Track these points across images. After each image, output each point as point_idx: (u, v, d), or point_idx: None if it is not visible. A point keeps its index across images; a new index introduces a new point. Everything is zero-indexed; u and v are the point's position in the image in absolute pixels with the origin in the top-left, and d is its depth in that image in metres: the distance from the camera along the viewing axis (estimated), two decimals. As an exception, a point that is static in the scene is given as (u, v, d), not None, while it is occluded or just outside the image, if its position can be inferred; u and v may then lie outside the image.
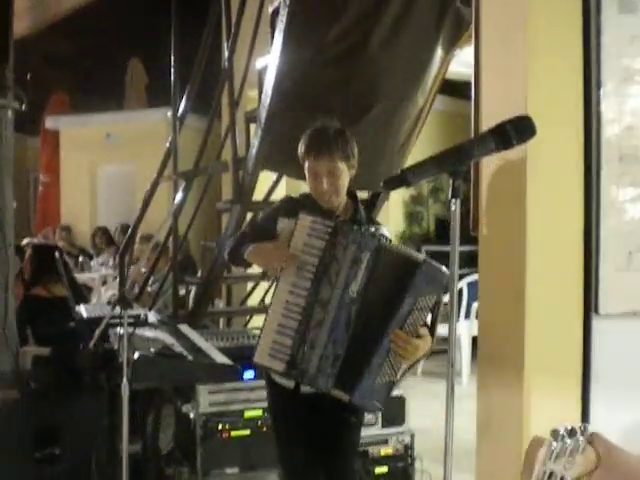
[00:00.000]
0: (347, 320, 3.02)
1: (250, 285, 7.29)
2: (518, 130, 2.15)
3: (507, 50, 3.48)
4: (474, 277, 6.57)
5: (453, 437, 2.43)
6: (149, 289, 6.95)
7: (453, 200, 2.07)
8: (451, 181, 2.08)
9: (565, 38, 3.41)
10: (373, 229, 3.23)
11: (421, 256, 3.00)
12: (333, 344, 3.04)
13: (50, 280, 6.22)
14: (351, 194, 3.35)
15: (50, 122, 14.32)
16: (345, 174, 3.20)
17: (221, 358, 3.87)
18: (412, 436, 5.13)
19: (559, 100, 3.39)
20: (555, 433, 1.64)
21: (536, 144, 2.40)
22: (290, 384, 3.31)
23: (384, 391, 3.04)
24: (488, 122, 3.45)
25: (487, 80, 3.61)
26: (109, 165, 13.65)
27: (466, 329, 8.57)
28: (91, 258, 11.74)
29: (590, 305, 3.41)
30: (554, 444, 1.64)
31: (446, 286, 2.90)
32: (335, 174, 3.17)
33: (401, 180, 2.10)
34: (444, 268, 2.92)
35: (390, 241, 3.19)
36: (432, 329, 3.08)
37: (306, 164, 3.23)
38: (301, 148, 3.24)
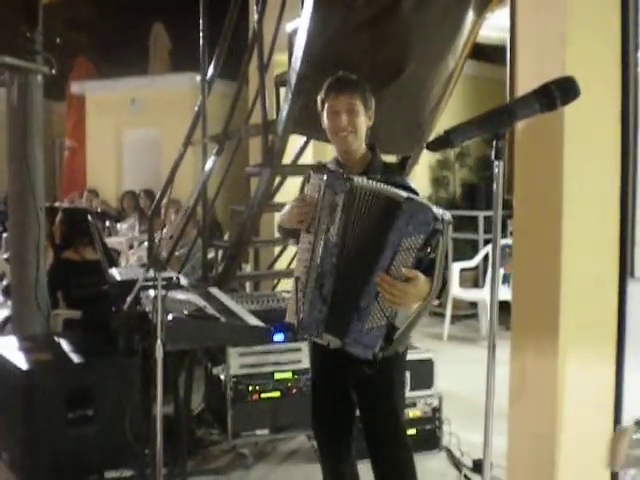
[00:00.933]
0: (330, 265, 3.07)
1: (278, 249, 7.31)
2: (562, 91, 2.14)
3: (544, 12, 3.45)
4: (503, 242, 6.54)
5: (483, 401, 2.42)
6: (177, 253, 6.98)
7: (496, 162, 2.06)
8: (494, 142, 2.07)
9: (603, 0, 3.38)
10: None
11: (403, 194, 2.93)
12: (320, 289, 3.09)
13: (81, 243, 6.26)
14: (371, 147, 3.38)
15: (75, 87, 14.35)
16: (363, 116, 3.26)
17: (253, 320, 3.88)
18: (440, 399, 5.16)
19: (597, 62, 3.36)
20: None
21: (574, 106, 2.38)
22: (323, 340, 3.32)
23: (375, 336, 2.97)
24: (524, 85, 3.42)
25: (523, 43, 3.58)
26: (134, 130, 13.67)
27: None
28: (117, 222, 11.78)
29: (626, 268, 3.40)
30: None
31: (435, 226, 2.83)
32: (354, 112, 3.23)
33: (445, 141, 2.10)
34: (431, 205, 2.90)
35: (413, 193, 3.06)
36: (431, 272, 2.91)
37: (326, 105, 3.29)
38: (321, 93, 3.32)
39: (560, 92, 2.12)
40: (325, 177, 3.09)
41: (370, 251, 2.97)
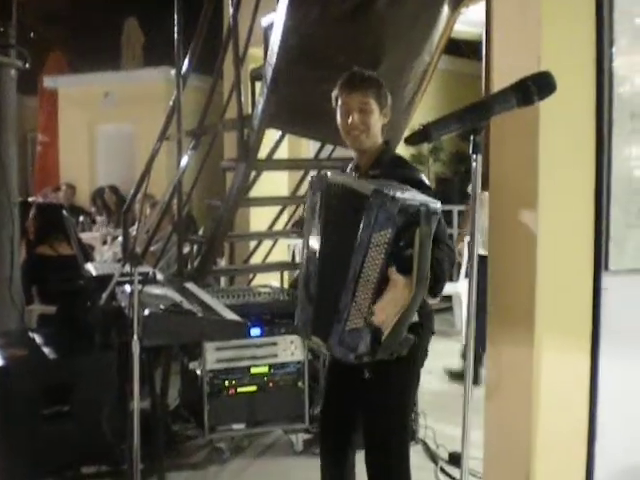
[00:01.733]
0: (314, 265, 3.07)
1: (253, 243, 7.31)
2: (539, 86, 2.15)
3: (519, 7, 3.46)
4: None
5: (458, 394, 2.43)
6: (152, 248, 6.95)
7: (474, 156, 2.07)
8: (472, 137, 2.08)
9: (578, -5, 3.40)
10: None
11: (371, 187, 2.82)
12: (307, 291, 3.09)
13: (56, 239, 6.23)
14: (385, 143, 3.31)
15: (48, 81, 14.23)
16: (376, 115, 3.20)
17: (230, 314, 3.88)
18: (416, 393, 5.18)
19: (572, 58, 3.38)
20: None
21: (549, 101, 2.40)
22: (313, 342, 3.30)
23: (357, 338, 2.86)
24: (500, 80, 3.44)
25: (499, 37, 3.60)
26: (107, 124, 13.58)
27: (467, 287, 8.58)
28: (92, 221, 11.68)
29: (600, 261, 3.42)
30: None
31: (406, 218, 2.72)
32: (367, 110, 3.18)
33: (423, 135, 2.11)
34: (399, 195, 2.75)
35: (422, 187, 3.01)
36: (410, 269, 2.77)
37: (339, 102, 3.24)
38: (336, 89, 3.26)
39: (537, 87, 2.14)
40: (311, 177, 3.11)
41: (344, 251, 2.89)
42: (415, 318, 2.98)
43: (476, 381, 6.63)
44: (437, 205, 2.78)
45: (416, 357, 3.21)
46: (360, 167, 3.30)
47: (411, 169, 3.26)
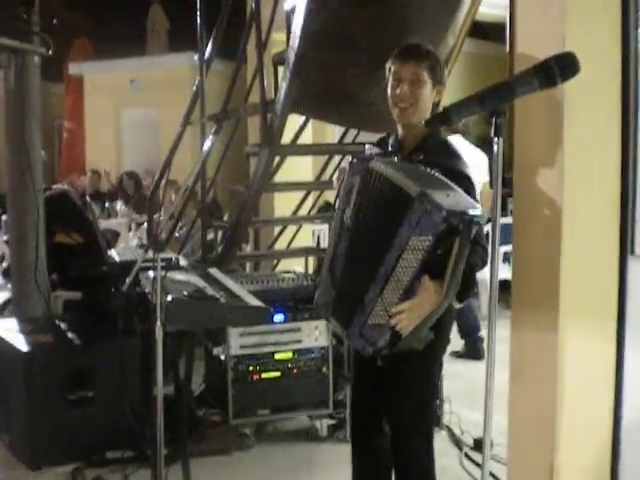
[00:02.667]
0: (342, 248, 3.00)
1: (278, 229, 7.29)
2: (562, 67, 2.11)
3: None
4: (502, 220, 6.49)
5: (481, 380, 2.40)
6: (177, 234, 6.96)
7: (495, 139, 2.03)
8: (493, 119, 2.05)
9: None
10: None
11: (417, 189, 2.69)
12: (332, 271, 3.05)
13: (68, 227, 6.24)
14: (432, 132, 3.16)
15: (74, 68, 14.29)
16: (428, 89, 3.08)
17: (253, 300, 3.87)
18: (441, 378, 5.15)
19: (597, 39, 3.33)
20: None
21: (574, 82, 2.35)
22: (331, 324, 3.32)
23: (377, 333, 2.81)
24: (523, 63, 3.39)
25: (523, 19, 3.55)
26: (133, 110, 13.63)
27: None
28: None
29: (626, 246, 3.38)
30: None
31: (448, 227, 2.60)
32: (418, 82, 3.06)
33: (444, 118, 2.07)
34: (444, 202, 2.62)
35: (463, 180, 2.94)
36: (446, 273, 2.69)
37: (391, 71, 3.12)
38: (389, 61, 3.14)
39: (559, 68, 2.09)
40: (351, 159, 3.02)
41: (378, 244, 2.81)
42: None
43: (478, 356, 6.65)
44: (478, 212, 2.67)
45: (437, 342, 3.09)
46: (404, 146, 3.17)
47: (455, 158, 3.12)
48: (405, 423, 3.22)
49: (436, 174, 2.88)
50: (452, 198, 2.68)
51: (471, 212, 2.63)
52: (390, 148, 3.23)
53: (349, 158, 3.09)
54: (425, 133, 3.13)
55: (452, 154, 3.14)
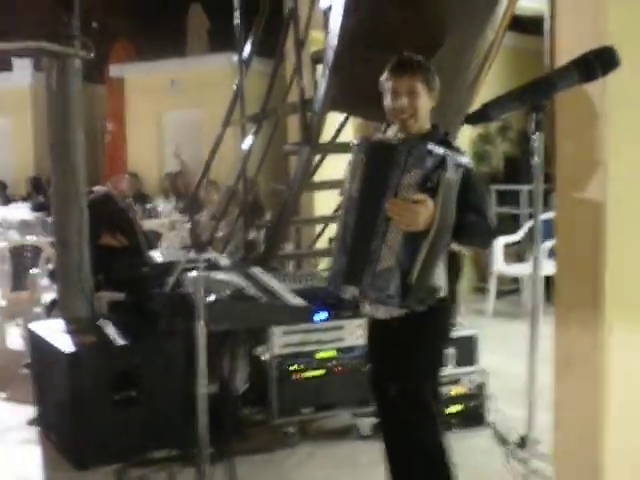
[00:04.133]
0: (352, 219, 3.18)
1: (319, 227, 7.29)
2: (602, 61, 2.09)
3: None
4: (546, 215, 6.45)
5: (523, 377, 2.38)
6: (220, 233, 7.00)
7: (536, 135, 2.01)
8: (533, 115, 2.02)
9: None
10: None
11: (399, 137, 3.11)
12: (343, 244, 3.22)
13: (113, 229, 6.29)
14: (434, 126, 3.35)
15: (115, 70, 14.41)
16: (425, 98, 3.26)
17: (294, 299, 3.87)
18: (485, 375, 5.12)
19: (638, 29, 3.28)
20: None
21: (616, 75, 2.32)
22: (371, 312, 3.42)
23: (387, 278, 3.02)
24: (564, 56, 3.35)
25: (563, 13, 3.50)
26: (174, 112, 13.71)
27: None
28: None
29: (674, 240, 3.33)
30: None
31: (429, 161, 2.92)
32: (415, 93, 3.24)
33: (483, 115, 2.07)
34: (429, 146, 2.95)
35: (464, 169, 3.09)
36: (437, 201, 2.95)
37: (387, 85, 3.30)
38: (384, 74, 3.32)
39: (600, 62, 2.08)
40: (355, 142, 3.26)
41: (378, 198, 3.05)
42: (445, 293, 3.22)
43: None
44: (464, 159, 3.00)
45: (443, 327, 3.41)
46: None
47: (454, 149, 3.25)
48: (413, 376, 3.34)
49: None
50: (436, 146, 2.99)
51: (452, 152, 2.98)
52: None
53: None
54: (426, 134, 3.30)
55: (451, 147, 3.27)
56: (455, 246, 3.17)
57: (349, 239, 3.19)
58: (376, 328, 3.48)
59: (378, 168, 3.10)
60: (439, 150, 2.96)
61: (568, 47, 3.42)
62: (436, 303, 3.18)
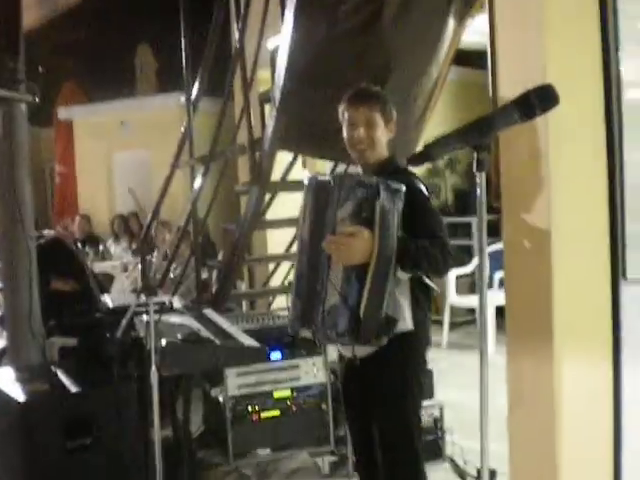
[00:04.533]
0: (304, 262, 3.15)
1: (272, 266, 7.28)
2: (541, 99, 2.11)
3: (522, 18, 3.44)
4: (496, 247, 6.54)
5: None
6: (171, 275, 6.96)
7: (479, 174, 2.03)
8: (475, 154, 2.05)
9: (581, 1, 3.37)
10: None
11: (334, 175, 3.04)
12: (297, 288, 3.17)
13: (63, 274, 6.22)
14: (390, 159, 3.36)
15: (63, 112, 14.30)
16: (382, 129, 3.28)
17: (248, 340, 3.86)
18: (441, 409, 5.13)
19: (578, 65, 3.36)
20: None
21: (557, 110, 2.36)
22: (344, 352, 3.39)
23: (335, 316, 2.97)
24: (506, 91, 3.42)
25: (503, 49, 3.57)
26: (124, 152, 13.64)
27: (489, 299, 8.50)
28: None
29: (618, 270, 3.38)
30: None
31: (365, 190, 2.90)
32: (372, 124, 3.25)
33: (425, 156, 2.08)
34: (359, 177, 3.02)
35: (420, 195, 3.17)
36: (374, 230, 2.91)
37: (345, 116, 3.31)
38: (341, 105, 3.33)
39: (539, 100, 2.10)
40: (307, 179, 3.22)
41: (320, 236, 3.02)
42: (410, 326, 3.15)
43: None
44: (400, 186, 2.94)
45: (409, 361, 3.28)
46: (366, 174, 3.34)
47: (409, 176, 3.27)
48: (390, 441, 3.28)
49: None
50: (368, 177, 3.02)
51: (388, 183, 2.92)
52: None
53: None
54: (383, 163, 3.31)
55: (403, 173, 3.30)
56: (403, 275, 3.09)
57: (302, 282, 3.15)
58: (347, 367, 3.43)
59: (320, 207, 3.09)
60: (371, 179, 2.96)
61: (509, 83, 3.50)
62: (400, 335, 3.11)
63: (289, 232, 6.95)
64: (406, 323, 3.17)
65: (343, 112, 3.32)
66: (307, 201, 3.18)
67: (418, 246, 2.99)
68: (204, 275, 6.28)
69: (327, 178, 3.11)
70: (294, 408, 4.90)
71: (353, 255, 2.92)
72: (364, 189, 2.92)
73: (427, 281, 3.21)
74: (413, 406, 3.35)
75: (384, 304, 2.97)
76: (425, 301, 3.24)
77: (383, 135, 3.29)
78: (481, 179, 2.02)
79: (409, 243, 2.98)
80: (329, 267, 3.01)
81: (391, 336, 3.05)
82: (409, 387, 3.31)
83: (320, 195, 3.10)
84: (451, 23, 5.19)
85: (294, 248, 6.87)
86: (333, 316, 2.98)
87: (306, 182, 3.22)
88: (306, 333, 3.20)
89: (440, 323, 8.68)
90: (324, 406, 4.92)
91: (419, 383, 3.37)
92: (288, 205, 7.25)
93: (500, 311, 3.87)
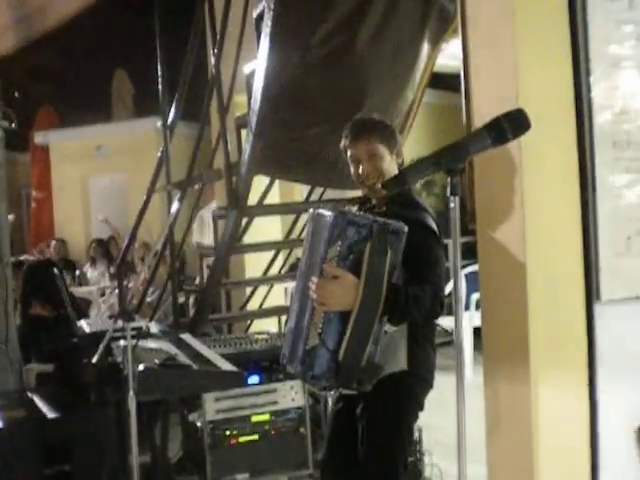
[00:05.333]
0: (297, 296, 3.04)
1: (249, 289, 7.29)
2: (513, 124, 2.14)
3: (494, 42, 3.49)
4: (472, 268, 6.58)
5: (464, 430, 2.41)
6: (148, 299, 6.94)
7: (452, 198, 2.06)
8: (449, 179, 2.08)
9: (552, 27, 3.42)
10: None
11: (334, 212, 2.80)
12: (289, 321, 3.09)
13: (45, 298, 6.19)
14: (400, 191, 3.18)
15: (39, 137, 14.28)
16: (387, 158, 3.14)
17: (225, 365, 3.87)
18: (420, 431, 5.13)
19: (550, 89, 3.41)
20: None
21: (530, 134, 2.39)
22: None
23: (314, 357, 2.82)
24: (480, 115, 3.47)
25: (476, 73, 3.62)
26: (101, 177, 13.63)
27: (467, 320, 8.55)
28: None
29: (592, 292, 3.42)
30: None
31: (356, 231, 2.73)
32: (375, 156, 3.12)
33: (400, 181, 2.10)
34: (351, 212, 2.83)
35: (426, 230, 3.06)
36: (362, 278, 2.75)
37: (348, 153, 3.19)
38: (342, 140, 3.21)
39: (510, 125, 2.13)
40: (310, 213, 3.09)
41: (311, 272, 2.90)
42: (403, 366, 3.01)
43: None
44: (400, 225, 2.76)
45: (404, 406, 3.18)
46: (369, 201, 3.28)
47: (419, 210, 3.16)
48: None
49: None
50: (365, 216, 2.82)
51: (387, 222, 2.74)
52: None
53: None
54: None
55: (415, 206, 3.19)
56: (389, 327, 2.92)
57: (294, 315, 3.04)
58: (339, 399, 3.35)
59: (315, 241, 2.95)
60: (366, 218, 2.78)
61: (483, 106, 3.54)
62: (393, 376, 3.01)
63: (267, 255, 6.97)
64: (399, 363, 3.05)
65: (345, 149, 3.21)
66: (307, 233, 3.07)
67: (409, 296, 2.84)
68: (181, 299, 6.27)
69: (327, 212, 2.89)
70: (272, 432, 4.88)
71: (333, 302, 2.79)
72: (356, 229, 2.74)
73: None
74: (401, 451, 3.27)
75: (366, 352, 2.80)
76: (426, 339, 3.12)
77: (391, 164, 3.16)
78: (455, 203, 2.05)
79: (399, 295, 2.81)
80: (313, 307, 2.87)
81: (374, 382, 2.89)
82: (399, 434, 3.22)
83: (316, 228, 2.96)
84: (425, 47, 5.25)
85: (272, 271, 6.90)
86: (313, 357, 2.84)
87: (311, 216, 3.08)
88: (290, 370, 3.09)
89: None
90: (302, 430, 4.91)
91: (409, 429, 3.29)
92: (265, 229, 7.30)
93: (477, 332, 3.88)
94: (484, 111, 3.40)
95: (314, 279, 2.81)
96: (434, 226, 3.15)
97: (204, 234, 8.34)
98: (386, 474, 3.17)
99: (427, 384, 3.27)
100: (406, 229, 2.78)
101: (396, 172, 3.12)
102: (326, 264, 2.80)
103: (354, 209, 3.26)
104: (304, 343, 2.87)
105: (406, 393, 3.09)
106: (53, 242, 12.80)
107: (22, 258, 8.88)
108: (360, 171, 3.15)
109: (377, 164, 3.13)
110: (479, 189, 3.62)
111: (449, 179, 2.07)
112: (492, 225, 3.59)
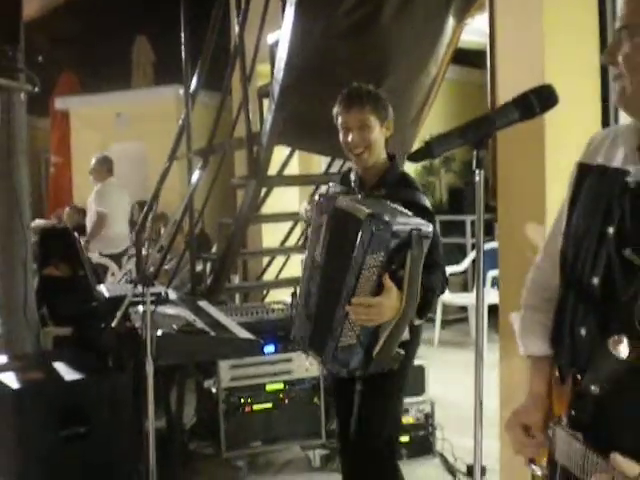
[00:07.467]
0: (315, 285, 3.08)
1: (266, 260, 7.32)
2: (541, 99, 2.14)
3: (522, 18, 3.47)
4: (489, 245, 6.58)
5: (472, 407, 2.42)
6: (166, 267, 6.97)
7: (477, 171, 2.06)
8: (475, 152, 2.08)
9: (581, 4, 3.40)
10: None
11: (366, 211, 2.81)
12: (306, 307, 3.13)
13: (60, 260, 6.23)
14: (390, 157, 3.33)
15: (59, 103, 14.29)
16: (377, 130, 3.21)
17: (243, 333, 3.89)
18: (432, 405, 5.17)
19: (576, 66, 3.39)
20: None
21: (554, 111, 2.39)
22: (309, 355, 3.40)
23: (348, 354, 2.90)
24: (505, 91, 3.45)
25: (502, 49, 3.61)
26: (120, 144, 13.62)
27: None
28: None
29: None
30: None
31: (398, 242, 2.76)
32: (366, 127, 3.19)
33: (426, 152, 2.10)
34: (392, 219, 2.78)
35: (422, 211, 3.05)
36: (403, 285, 2.81)
37: (339, 120, 3.25)
38: (336, 106, 3.27)
39: (538, 100, 2.12)
40: (318, 198, 3.14)
41: (342, 272, 2.89)
42: (406, 336, 3.04)
43: None
44: (429, 229, 2.82)
45: (405, 371, 3.34)
46: (365, 184, 3.32)
47: (414, 190, 3.25)
48: (371, 431, 3.33)
49: (391, 203, 3.00)
50: (403, 218, 2.83)
51: (422, 228, 2.79)
52: (352, 184, 3.37)
53: (316, 197, 3.22)
54: (384, 169, 3.28)
55: (411, 187, 3.28)
56: (418, 321, 3.09)
57: (314, 306, 3.09)
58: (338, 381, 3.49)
59: (342, 241, 2.93)
60: (405, 229, 2.78)
61: (508, 83, 3.53)
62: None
63: (284, 226, 6.98)
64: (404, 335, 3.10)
65: (337, 116, 3.27)
66: (322, 222, 3.07)
67: (434, 292, 3.02)
68: (198, 268, 6.29)
69: (357, 212, 2.87)
70: (286, 401, 4.94)
71: (381, 318, 2.84)
72: (398, 240, 2.76)
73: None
74: (398, 403, 3.48)
75: (396, 345, 2.93)
76: (424, 308, 3.13)
77: (380, 136, 3.23)
78: (480, 176, 2.05)
79: (432, 295, 2.99)
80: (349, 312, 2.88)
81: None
82: (397, 387, 3.41)
83: (343, 227, 2.94)
84: (451, 22, 5.22)
85: (289, 241, 6.91)
86: (346, 354, 2.91)
87: (320, 199, 3.15)
88: (314, 356, 3.19)
89: (432, 321, 8.73)
90: (316, 400, 4.96)
91: (404, 384, 3.45)
92: (284, 200, 7.30)
93: (492, 309, 3.89)
94: (509, 87, 3.38)
95: (356, 303, 2.82)
96: (429, 204, 3.23)
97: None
98: (382, 421, 3.36)
99: (417, 346, 3.46)
100: (431, 229, 2.84)
101: (383, 144, 3.28)
102: (369, 272, 2.81)
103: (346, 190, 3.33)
104: (337, 341, 2.91)
105: (406, 359, 3.13)
106: (67, 209, 12.79)
107: (37, 222, 8.90)
108: (349, 139, 3.22)
109: (366, 134, 3.20)
110: (501, 165, 3.62)
111: (475, 152, 2.06)
112: (513, 202, 3.59)
